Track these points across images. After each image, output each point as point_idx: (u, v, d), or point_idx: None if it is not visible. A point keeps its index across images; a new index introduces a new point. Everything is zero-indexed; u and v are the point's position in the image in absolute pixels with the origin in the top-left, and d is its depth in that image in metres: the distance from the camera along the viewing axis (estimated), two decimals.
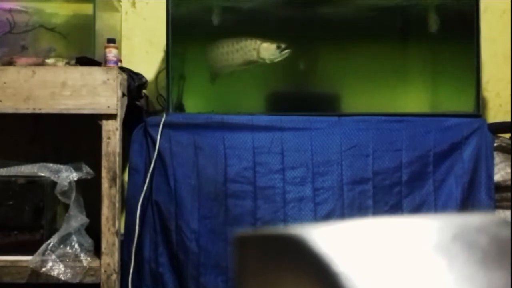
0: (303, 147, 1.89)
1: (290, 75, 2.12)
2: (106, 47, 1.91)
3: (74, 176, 1.74)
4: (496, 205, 1.90)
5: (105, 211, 1.73)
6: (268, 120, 1.91)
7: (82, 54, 1.84)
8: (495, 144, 1.92)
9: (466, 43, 1.99)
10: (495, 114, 2.35)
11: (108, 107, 1.73)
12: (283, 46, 1.96)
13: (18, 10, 1.92)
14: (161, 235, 1.87)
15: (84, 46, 1.92)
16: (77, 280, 1.68)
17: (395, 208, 1.86)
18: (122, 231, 1.89)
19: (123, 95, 1.79)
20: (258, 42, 1.97)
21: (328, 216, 1.85)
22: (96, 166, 1.77)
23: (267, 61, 1.97)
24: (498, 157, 1.92)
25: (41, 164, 1.78)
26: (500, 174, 1.91)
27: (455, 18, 2.06)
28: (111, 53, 1.90)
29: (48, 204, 1.77)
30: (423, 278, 0.43)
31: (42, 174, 1.76)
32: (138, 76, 1.95)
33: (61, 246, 1.72)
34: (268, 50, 1.96)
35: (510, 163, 1.92)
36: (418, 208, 1.86)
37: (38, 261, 1.67)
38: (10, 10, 1.91)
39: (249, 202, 1.86)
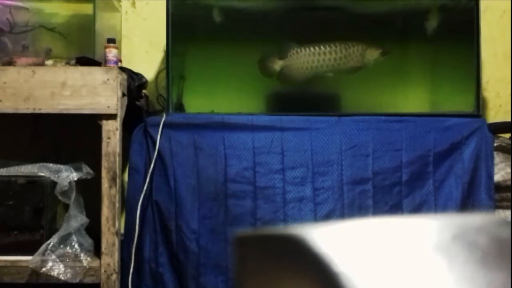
0: (303, 147, 1.89)
1: None
2: (106, 47, 1.91)
3: (74, 176, 1.74)
4: (496, 205, 1.90)
5: (105, 211, 1.73)
6: (268, 120, 1.91)
7: (82, 54, 1.84)
8: (495, 144, 1.92)
9: (466, 43, 1.99)
10: (495, 114, 2.35)
11: (108, 107, 1.73)
12: (385, 51, 2.01)
13: (18, 7, 1.92)
14: (161, 235, 1.87)
15: (84, 46, 1.92)
16: (77, 280, 1.68)
17: (395, 208, 1.87)
18: (122, 231, 1.89)
19: (123, 95, 1.79)
20: (364, 47, 2.00)
21: (328, 216, 1.85)
22: (96, 166, 1.77)
23: (369, 65, 2.01)
24: (498, 157, 1.92)
25: (41, 164, 1.78)
26: (500, 174, 1.91)
27: (455, 18, 2.06)
28: (111, 53, 1.90)
29: (48, 204, 1.77)
30: (423, 278, 0.43)
31: (42, 174, 1.76)
32: (138, 76, 1.95)
33: (61, 246, 1.72)
34: (373, 56, 2.00)
35: (510, 163, 1.92)
36: (418, 208, 1.86)
37: (38, 261, 1.67)
38: (10, 8, 1.91)
39: (249, 202, 1.86)
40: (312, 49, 2.01)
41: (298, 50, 2.01)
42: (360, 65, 2.00)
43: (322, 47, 2.00)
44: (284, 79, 2.05)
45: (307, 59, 2.01)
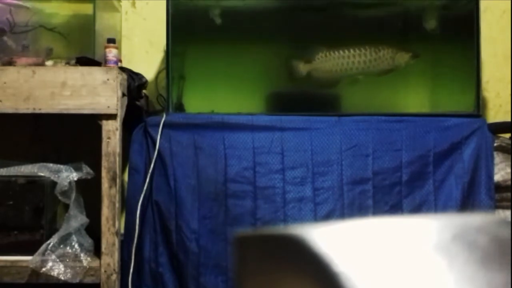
0: (303, 147, 1.89)
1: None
2: (106, 47, 1.91)
3: (74, 176, 1.74)
4: (496, 205, 1.90)
5: (105, 211, 1.73)
6: (268, 120, 1.91)
7: (82, 54, 1.84)
8: (495, 144, 1.92)
9: (466, 43, 1.99)
10: (495, 114, 2.35)
11: (108, 107, 1.73)
12: (415, 54, 2.03)
13: (18, 6, 1.92)
14: (161, 235, 1.87)
15: (84, 46, 1.92)
16: (77, 280, 1.68)
17: (395, 208, 1.87)
18: (122, 231, 1.89)
19: (123, 95, 1.79)
20: (395, 50, 2.02)
21: (328, 216, 1.85)
22: (96, 166, 1.77)
23: (400, 69, 2.03)
24: (498, 157, 1.92)
25: (41, 164, 1.78)
26: (500, 174, 1.91)
27: (455, 18, 2.06)
28: (111, 53, 1.90)
29: (48, 204, 1.77)
30: (423, 278, 0.43)
31: (42, 174, 1.76)
32: (138, 76, 1.95)
33: (61, 246, 1.72)
34: (403, 59, 2.01)
35: (510, 163, 1.92)
36: (418, 208, 1.86)
37: (38, 261, 1.67)
38: (10, 8, 1.91)
39: (249, 202, 1.86)
40: (341, 52, 2.01)
41: (327, 53, 2.02)
42: (391, 68, 2.01)
43: (351, 50, 2.01)
44: (312, 82, 2.05)
45: (336, 62, 2.01)
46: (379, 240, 0.46)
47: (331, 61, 2.02)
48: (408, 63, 2.02)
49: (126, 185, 2.00)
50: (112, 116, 1.74)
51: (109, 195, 1.73)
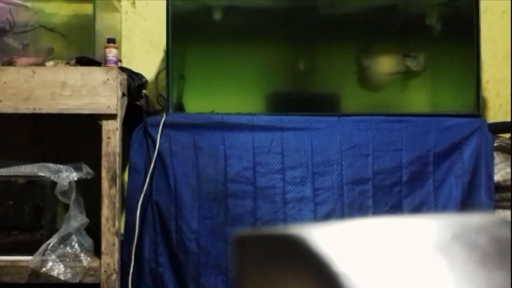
0: (303, 147, 1.89)
1: (290, 75, 2.12)
2: (106, 47, 1.91)
3: (74, 176, 1.74)
4: (496, 205, 1.90)
5: (105, 211, 1.73)
6: (268, 120, 1.91)
7: (82, 54, 1.84)
8: (495, 144, 1.92)
9: (466, 43, 1.99)
10: (495, 114, 2.35)
11: (108, 107, 1.73)
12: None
13: (18, 5, 1.92)
14: (161, 235, 1.87)
15: (84, 46, 1.92)
16: (77, 280, 1.68)
17: (395, 208, 1.87)
18: (122, 231, 1.89)
19: (123, 95, 1.79)
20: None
21: (328, 216, 1.85)
22: (96, 166, 1.77)
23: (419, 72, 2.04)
24: (498, 157, 1.92)
25: (41, 164, 1.79)
26: (500, 174, 1.91)
27: (455, 18, 2.06)
28: (111, 53, 1.90)
29: (48, 204, 1.77)
30: (423, 278, 0.43)
31: (42, 174, 1.76)
32: (138, 76, 1.95)
33: (61, 246, 1.72)
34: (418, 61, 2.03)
35: (510, 163, 1.92)
36: (418, 208, 1.86)
37: (38, 261, 1.67)
38: (10, 8, 1.91)
39: (249, 202, 1.86)
40: (385, 56, 2.02)
41: (378, 55, 2.02)
42: (405, 70, 2.03)
43: (388, 55, 2.01)
44: (363, 79, 2.05)
45: (383, 64, 2.02)
46: (379, 240, 0.46)
47: (379, 63, 2.04)
48: (420, 65, 2.02)
49: (126, 185, 2.00)
50: (112, 116, 1.74)
51: (109, 195, 1.73)
